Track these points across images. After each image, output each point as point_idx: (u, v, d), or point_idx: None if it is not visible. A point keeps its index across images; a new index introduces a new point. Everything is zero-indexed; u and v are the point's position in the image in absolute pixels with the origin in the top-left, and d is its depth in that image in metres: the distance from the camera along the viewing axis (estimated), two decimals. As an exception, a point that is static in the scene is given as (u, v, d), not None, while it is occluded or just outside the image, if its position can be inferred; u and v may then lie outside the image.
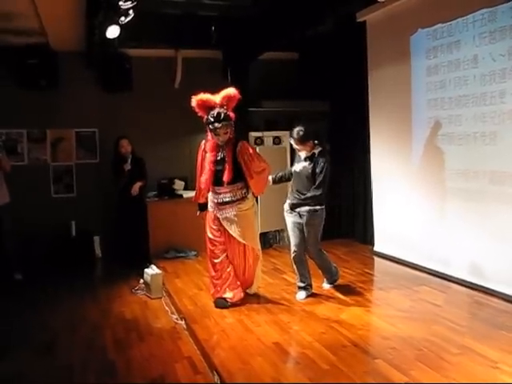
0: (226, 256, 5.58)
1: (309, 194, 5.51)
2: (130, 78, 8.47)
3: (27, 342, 4.96)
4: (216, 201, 5.54)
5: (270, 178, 5.79)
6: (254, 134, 8.74)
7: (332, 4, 6.32)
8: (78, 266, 7.86)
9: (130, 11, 5.98)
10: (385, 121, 7.45)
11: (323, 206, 5.62)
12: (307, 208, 5.53)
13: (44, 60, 8.08)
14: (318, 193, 5.47)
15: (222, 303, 5.45)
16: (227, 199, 5.46)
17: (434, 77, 6.39)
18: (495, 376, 3.66)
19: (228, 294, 5.49)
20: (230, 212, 5.47)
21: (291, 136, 5.64)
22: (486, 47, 5.57)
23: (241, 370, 3.96)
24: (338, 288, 5.89)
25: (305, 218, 5.58)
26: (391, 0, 6.65)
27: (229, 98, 5.34)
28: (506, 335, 4.39)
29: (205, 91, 5.37)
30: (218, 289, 5.53)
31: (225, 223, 5.53)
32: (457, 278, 6.03)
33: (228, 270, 5.56)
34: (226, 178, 5.36)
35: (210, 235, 5.62)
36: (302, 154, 5.64)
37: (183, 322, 5.21)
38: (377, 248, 7.70)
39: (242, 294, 5.61)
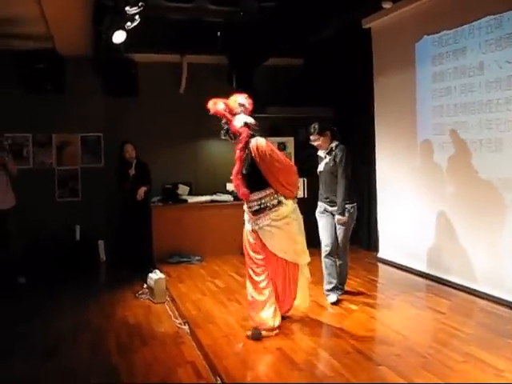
0: (268, 274, 4.84)
1: (338, 190, 5.47)
2: (135, 83, 8.51)
3: (31, 345, 4.95)
4: (249, 210, 4.88)
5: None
6: (258, 140, 8.74)
7: (337, 11, 6.36)
8: (82, 270, 7.87)
9: (136, 17, 6.02)
10: (390, 127, 7.45)
11: (354, 204, 5.64)
12: (339, 217, 5.54)
13: (50, 65, 8.15)
14: (343, 183, 5.45)
15: (257, 335, 4.67)
16: (258, 207, 4.78)
17: (439, 83, 6.39)
18: (500, 384, 3.64)
19: (265, 328, 4.74)
20: (264, 222, 4.78)
21: (308, 133, 5.67)
22: (492, 54, 5.57)
23: (244, 376, 3.94)
24: (342, 294, 5.87)
25: (336, 216, 5.57)
26: (396, 7, 6.68)
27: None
28: (510, 343, 4.36)
29: (210, 97, 5.30)
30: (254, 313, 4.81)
31: (262, 235, 4.82)
32: (462, 286, 6.01)
33: (269, 290, 4.83)
34: (240, 190, 4.84)
35: (249, 251, 4.90)
36: (322, 153, 5.70)
37: (187, 327, 5.19)
38: (381, 254, 7.68)
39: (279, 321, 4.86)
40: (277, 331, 4.73)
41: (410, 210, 7.00)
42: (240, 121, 4.80)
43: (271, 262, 4.82)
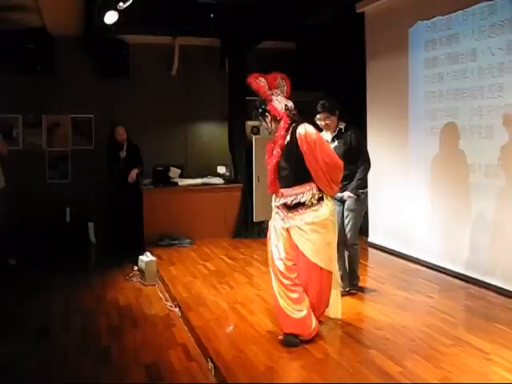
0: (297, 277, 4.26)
1: (359, 172, 5.10)
2: (127, 64, 8.47)
3: (23, 327, 4.96)
4: (283, 205, 4.30)
5: None
6: (250, 123, 8.79)
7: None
8: (73, 252, 7.86)
9: (128, -4, 5.96)
10: (382, 112, 7.45)
11: (366, 189, 5.34)
12: (349, 193, 5.14)
13: (41, 45, 8.05)
14: (365, 166, 5.13)
15: (291, 341, 4.16)
16: (296, 203, 4.23)
17: (432, 69, 6.39)
18: (488, 367, 3.69)
19: (301, 332, 4.20)
20: (300, 221, 4.22)
21: (318, 111, 5.11)
22: (484, 41, 5.57)
23: (235, 357, 3.97)
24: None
25: (347, 203, 5.23)
26: (391, -9, 6.65)
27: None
28: (499, 328, 4.43)
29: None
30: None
31: (294, 235, 4.25)
32: (450, 271, 6.07)
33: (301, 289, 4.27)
34: (270, 185, 4.34)
35: (276, 252, 4.31)
36: (328, 136, 5.17)
37: (177, 310, 5.23)
38: (371, 239, 7.73)
39: (317, 327, 4.32)
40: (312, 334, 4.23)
41: (401, 196, 7.04)
42: (281, 103, 4.27)
43: (303, 267, 4.23)
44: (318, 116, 5.14)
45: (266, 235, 8.11)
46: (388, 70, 7.22)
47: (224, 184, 8.70)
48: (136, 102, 8.61)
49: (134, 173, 7.64)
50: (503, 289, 5.34)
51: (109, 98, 8.54)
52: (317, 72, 8.91)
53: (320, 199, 4.24)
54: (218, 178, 8.76)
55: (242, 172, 8.73)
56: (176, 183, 8.42)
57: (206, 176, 8.76)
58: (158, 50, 8.79)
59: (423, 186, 6.60)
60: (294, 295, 4.19)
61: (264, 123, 4.39)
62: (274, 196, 4.41)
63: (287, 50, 9.32)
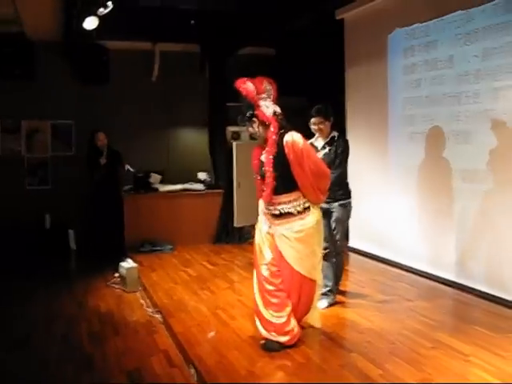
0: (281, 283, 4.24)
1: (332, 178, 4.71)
2: (107, 70, 8.43)
3: (3, 334, 4.90)
4: (270, 213, 4.30)
5: None
6: (231, 129, 8.82)
7: (311, 1, 6.39)
8: (53, 258, 7.79)
9: (109, 3, 5.95)
10: (361, 118, 7.53)
11: (350, 199, 5.29)
12: (336, 204, 5.16)
13: (20, 49, 7.98)
14: (338, 172, 5.01)
15: (272, 346, 4.16)
16: (282, 211, 4.22)
17: (410, 75, 6.49)
18: (467, 369, 3.75)
19: (282, 338, 4.18)
20: (286, 230, 4.21)
21: (313, 115, 5.11)
22: (461, 48, 5.68)
23: (217, 363, 3.98)
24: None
25: (334, 214, 5.20)
26: (369, -1, 6.74)
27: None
28: (477, 330, 4.50)
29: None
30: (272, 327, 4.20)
31: (279, 242, 4.24)
32: (430, 274, 6.15)
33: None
34: (266, 193, 4.24)
35: (261, 257, 4.30)
36: (319, 142, 5.17)
37: (159, 316, 5.20)
38: (351, 244, 7.79)
39: (299, 332, 4.30)
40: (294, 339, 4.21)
41: (381, 201, 7.11)
42: (270, 108, 4.21)
43: (286, 273, 4.22)
44: (312, 120, 5.14)
45: (246, 240, 8.29)
46: (367, 76, 7.31)
47: (205, 190, 8.70)
48: (116, 108, 8.58)
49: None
50: (482, 291, 5.42)
51: (89, 103, 8.49)
52: (296, 78, 8.96)
53: (306, 208, 4.22)
54: (198, 184, 8.76)
55: (222, 177, 8.75)
56: (157, 189, 8.41)
57: (186, 182, 8.74)
58: (138, 56, 8.77)
59: (403, 191, 6.68)
60: (276, 300, 4.20)
61: (251, 128, 4.30)
62: (260, 201, 4.39)
63: (267, 56, 9.36)
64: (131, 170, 7.85)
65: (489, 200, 5.41)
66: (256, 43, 8.51)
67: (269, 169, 4.16)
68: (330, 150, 5.13)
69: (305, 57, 8.78)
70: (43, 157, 8.57)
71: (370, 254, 7.31)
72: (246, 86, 4.18)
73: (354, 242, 7.76)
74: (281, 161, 4.12)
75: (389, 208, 6.95)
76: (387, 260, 6.92)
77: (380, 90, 7.02)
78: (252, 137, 8.81)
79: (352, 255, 7.55)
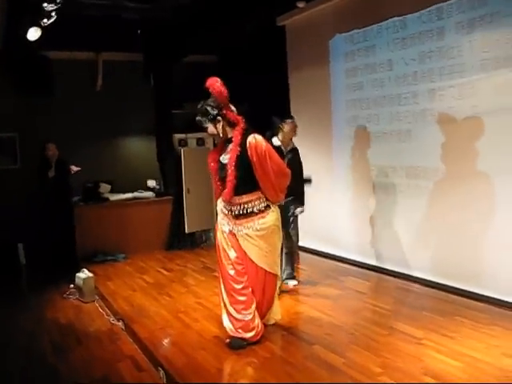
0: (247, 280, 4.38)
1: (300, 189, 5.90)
2: (50, 81, 8.30)
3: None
4: (231, 213, 4.40)
5: None
6: (178, 136, 8.87)
7: (252, 9, 6.59)
8: (3, 274, 7.62)
9: (53, 13, 5.94)
10: (306, 120, 7.72)
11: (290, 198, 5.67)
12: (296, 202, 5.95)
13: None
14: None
15: (238, 344, 4.30)
16: (243, 211, 4.33)
17: (352, 79, 6.79)
18: (420, 351, 4.03)
19: (248, 334, 4.33)
20: (248, 229, 4.33)
21: (291, 118, 5.92)
22: (399, 52, 6.01)
23: (185, 363, 4.08)
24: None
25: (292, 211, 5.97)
26: (310, 6, 6.99)
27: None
28: (427, 315, 4.81)
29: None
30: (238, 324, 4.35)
31: (242, 241, 4.36)
32: (379, 267, 6.47)
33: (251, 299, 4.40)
34: (226, 191, 4.30)
35: (225, 256, 4.42)
36: (284, 150, 5.80)
37: (121, 323, 5.25)
38: (301, 243, 7.98)
39: (263, 329, 4.46)
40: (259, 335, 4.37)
41: (328, 199, 7.36)
42: (234, 109, 4.34)
43: (250, 270, 4.36)
44: (288, 120, 5.83)
45: (198, 245, 8.38)
46: (310, 80, 7.56)
47: (155, 197, 8.74)
48: (61, 119, 8.46)
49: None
50: (426, 279, 5.77)
51: (33, 115, 8.35)
52: (239, 84, 9.11)
53: (267, 207, 4.36)
54: (148, 192, 8.79)
55: (171, 184, 8.81)
56: (107, 199, 8.38)
57: (136, 190, 8.75)
58: (81, 66, 8.72)
59: (347, 190, 6.99)
60: (243, 298, 4.36)
61: (211, 128, 4.31)
62: (219, 201, 4.49)
63: (210, 63, 9.48)
64: (75, 169, 7.69)
65: (431, 194, 5.74)
66: (198, 51, 8.62)
67: (231, 167, 4.22)
68: (292, 157, 5.87)
69: (248, 63, 8.95)
70: (-14, 171, 8.36)
71: (319, 251, 7.56)
72: (220, 85, 4.27)
73: (303, 240, 7.96)
74: (243, 161, 4.21)
75: (334, 206, 7.23)
76: (336, 256, 7.20)
77: (323, 93, 7.28)
78: (198, 143, 8.98)
79: (302, 254, 7.75)
